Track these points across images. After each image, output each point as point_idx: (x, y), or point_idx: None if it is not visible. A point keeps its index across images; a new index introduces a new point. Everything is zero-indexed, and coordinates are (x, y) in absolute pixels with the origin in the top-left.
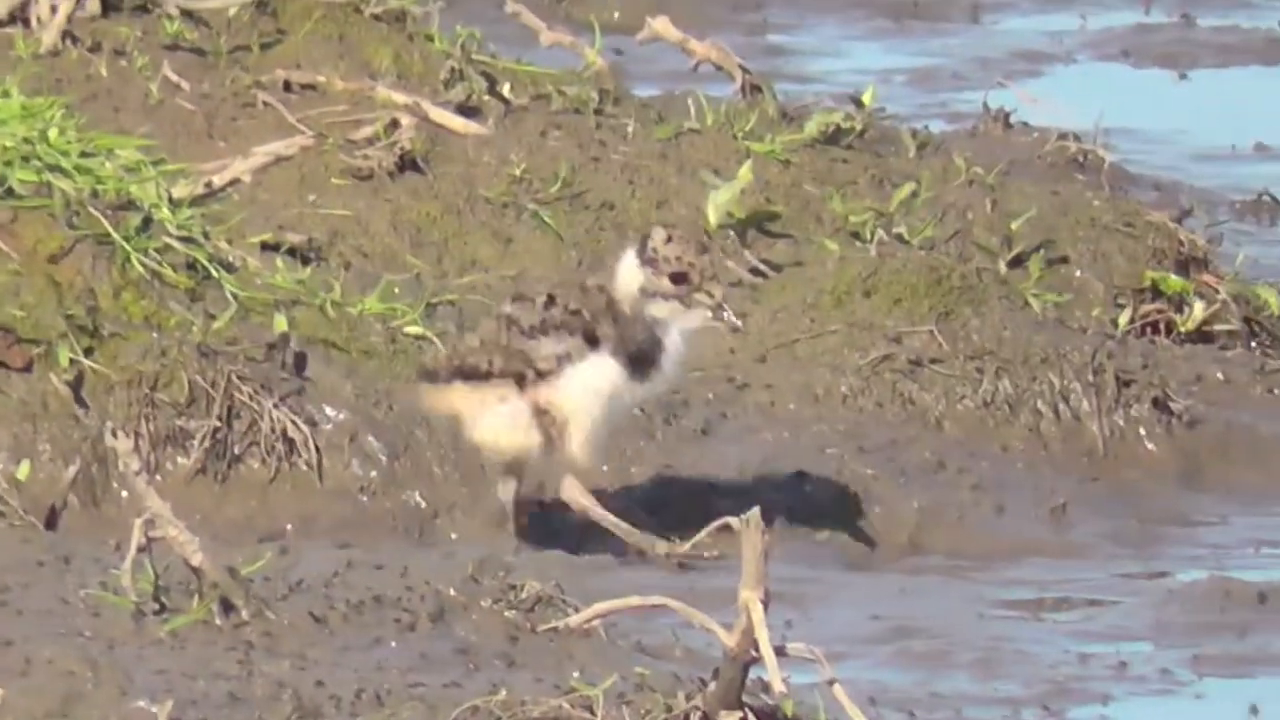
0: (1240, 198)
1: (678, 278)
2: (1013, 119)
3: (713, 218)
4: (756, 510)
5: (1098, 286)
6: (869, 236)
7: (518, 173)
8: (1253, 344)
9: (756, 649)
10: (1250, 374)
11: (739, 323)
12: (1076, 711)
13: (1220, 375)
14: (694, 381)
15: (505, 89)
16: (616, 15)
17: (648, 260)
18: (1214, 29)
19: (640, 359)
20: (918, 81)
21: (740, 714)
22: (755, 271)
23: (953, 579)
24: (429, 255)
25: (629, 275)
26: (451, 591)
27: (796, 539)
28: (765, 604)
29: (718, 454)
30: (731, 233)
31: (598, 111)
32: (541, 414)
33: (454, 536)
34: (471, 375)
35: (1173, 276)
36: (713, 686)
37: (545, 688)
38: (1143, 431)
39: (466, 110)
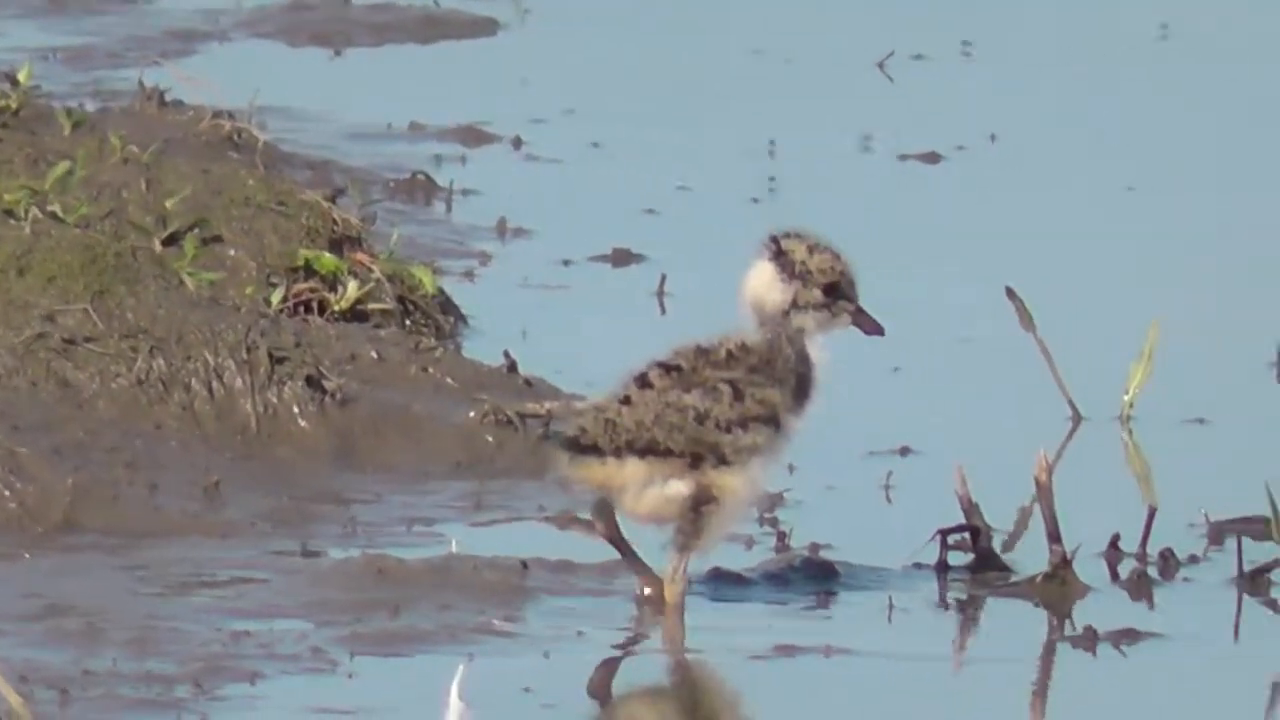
0: (395, 176)
1: (830, 289)
2: (168, 97)
3: None
4: None
5: (251, 265)
6: (24, 215)
7: None
8: (407, 323)
9: None
10: (404, 353)
11: (882, 324)
12: (227, 689)
13: (374, 354)
14: None
15: None
16: None
17: (798, 275)
18: (369, 7)
19: (801, 387)
20: (74, 60)
21: None
22: None
23: (107, 557)
24: None
25: (772, 291)
26: None
27: None
28: None
29: None
30: None
31: None
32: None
33: None
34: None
35: (326, 255)
36: None
37: None
38: (296, 410)
39: None
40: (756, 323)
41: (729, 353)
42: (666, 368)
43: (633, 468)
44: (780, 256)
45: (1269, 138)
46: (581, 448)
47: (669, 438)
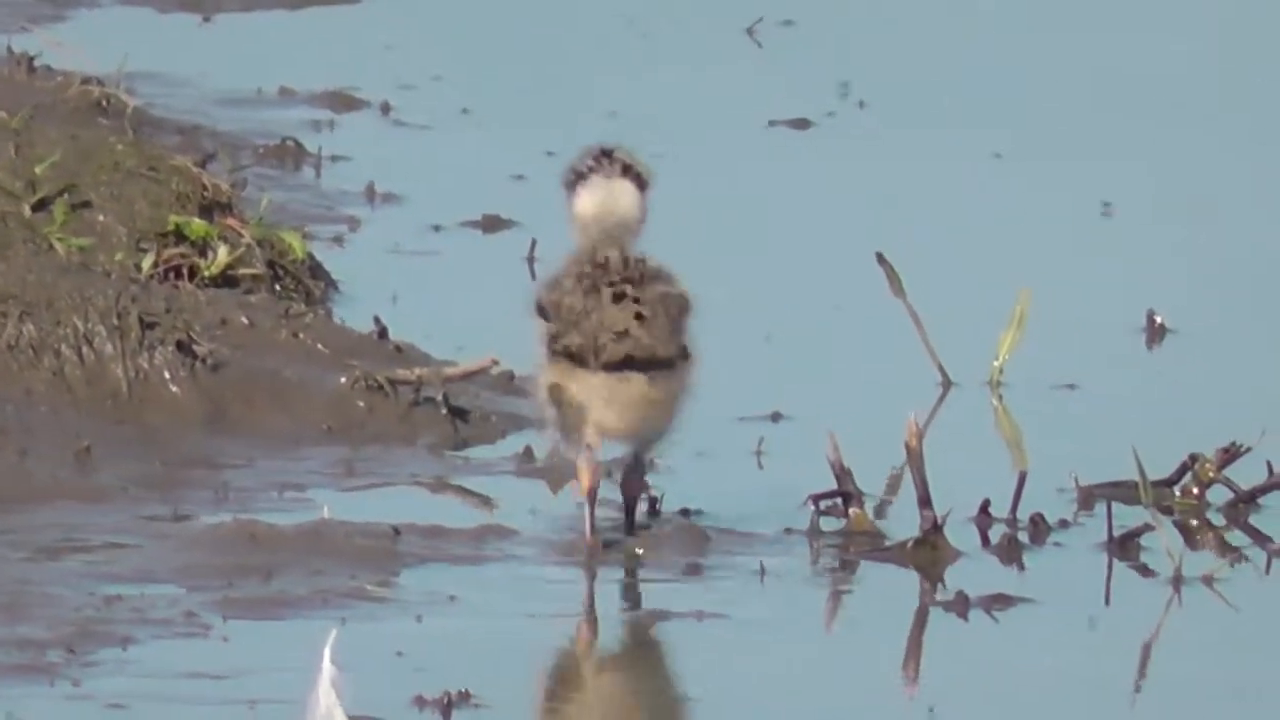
0: (265, 142)
1: (626, 169)
2: (37, 63)
3: None
4: None
5: (121, 231)
6: None
7: None
8: (277, 288)
9: None
10: (274, 318)
11: None
12: (100, 654)
13: (245, 319)
14: None
15: None
16: None
17: (625, 172)
18: None
19: None
20: None
21: None
22: None
23: None
24: None
25: (635, 209)
26: None
27: None
28: None
29: None
30: None
31: None
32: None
33: None
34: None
35: (197, 221)
36: None
37: None
38: (167, 375)
39: None
40: (608, 243)
41: (628, 261)
42: (608, 282)
43: (632, 379)
44: (629, 171)
45: (1135, 104)
46: (631, 362)
47: (656, 339)
